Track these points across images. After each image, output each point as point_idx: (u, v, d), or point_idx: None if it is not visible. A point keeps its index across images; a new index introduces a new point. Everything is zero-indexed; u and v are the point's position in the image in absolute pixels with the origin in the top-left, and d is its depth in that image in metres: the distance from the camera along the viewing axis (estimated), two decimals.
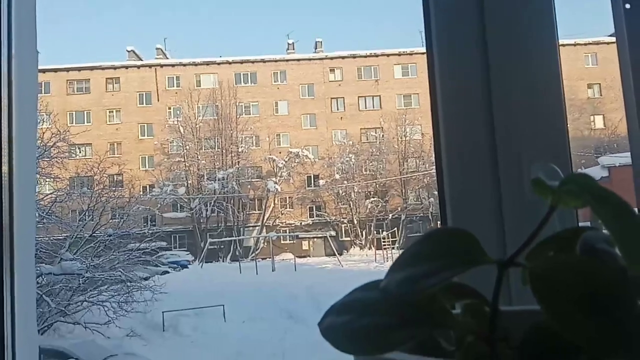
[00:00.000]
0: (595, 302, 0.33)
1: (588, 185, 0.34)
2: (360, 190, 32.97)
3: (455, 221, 0.93)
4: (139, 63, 36.07)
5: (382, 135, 33.89)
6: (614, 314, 0.33)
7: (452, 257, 0.37)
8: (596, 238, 0.38)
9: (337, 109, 35.81)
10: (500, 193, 0.91)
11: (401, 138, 33.09)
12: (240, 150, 33.88)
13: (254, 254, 28.71)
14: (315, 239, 32.06)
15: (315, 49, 37.26)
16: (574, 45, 29.65)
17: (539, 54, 0.96)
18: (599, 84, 30.31)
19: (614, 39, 0.96)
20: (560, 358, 0.38)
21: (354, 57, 35.84)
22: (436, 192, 1.05)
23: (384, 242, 27.68)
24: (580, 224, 0.86)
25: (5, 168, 1.05)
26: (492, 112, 0.96)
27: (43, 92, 31.16)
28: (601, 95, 30.48)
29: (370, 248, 30.01)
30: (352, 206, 32.71)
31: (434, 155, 1.03)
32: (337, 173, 33.37)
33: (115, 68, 35.41)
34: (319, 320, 0.41)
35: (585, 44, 30.17)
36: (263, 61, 36.18)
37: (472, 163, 0.94)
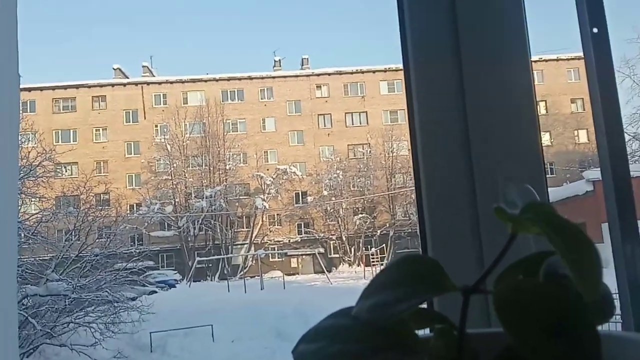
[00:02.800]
0: (556, 325, 0.35)
1: (545, 214, 0.36)
2: (348, 207, 33.00)
3: (434, 242, 0.94)
4: (125, 81, 36.05)
5: (370, 152, 34.04)
6: (574, 337, 0.34)
7: (419, 284, 0.38)
8: (558, 263, 0.39)
9: (324, 125, 35.96)
10: (477, 213, 0.93)
11: (388, 154, 33.26)
12: (227, 167, 33.84)
13: (242, 272, 28.55)
14: (303, 256, 31.97)
15: (302, 65, 37.50)
16: (557, 60, 30.10)
17: (511, 70, 0.98)
18: (582, 98, 30.73)
19: None
20: None
21: (340, 73, 36.11)
22: None
23: (372, 258, 27.66)
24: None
25: None
26: (467, 128, 0.97)
27: (29, 110, 30.99)
28: (584, 109, 30.89)
29: (359, 265, 29.96)
30: (340, 223, 32.71)
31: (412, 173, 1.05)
32: (325, 189, 33.40)
33: (101, 86, 35.36)
34: (293, 348, 0.41)
35: (567, 59, 30.65)
36: (250, 78, 36.33)
37: (449, 182, 0.96)
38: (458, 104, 0.98)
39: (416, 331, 0.39)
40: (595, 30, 0.92)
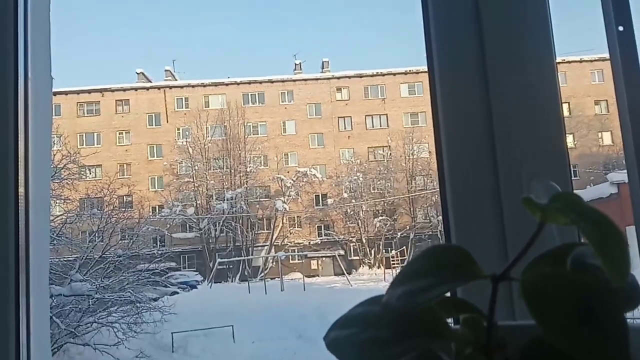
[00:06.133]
0: (584, 313, 0.35)
1: (574, 203, 0.36)
2: (368, 209, 32.91)
3: (459, 238, 0.94)
4: (148, 85, 36.45)
5: (390, 154, 33.92)
6: (601, 324, 0.35)
7: (448, 272, 0.39)
8: (586, 253, 0.40)
9: (345, 128, 35.93)
10: (502, 209, 0.93)
11: (408, 156, 33.11)
12: (248, 170, 34.01)
13: (262, 274, 28.61)
14: (324, 258, 31.95)
15: (322, 68, 37.53)
16: (580, 62, 29.66)
17: (537, 71, 0.98)
18: (606, 100, 30.23)
19: None
20: None
21: (361, 76, 36.05)
22: None
23: (393, 261, 27.53)
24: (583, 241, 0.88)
25: (21, 190, 1.07)
26: (492, 129, 0.98)
27: (54, 114, 31.47)
28: (608, 111, 30.39)
29: (379, 267, 29.85)
30: (360, 225, 32.63)
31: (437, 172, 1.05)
32: (345, 192, 33.36)
33: (124, 90, 35.80)
34: (324, 335, 0.43)
35: (591, 61, 30.18)
36: (270, 81, 36.47)
37: (474, 180, 0.96)
38: (483, 105, 0.99)
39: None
40: (620, 28, 0.92)
